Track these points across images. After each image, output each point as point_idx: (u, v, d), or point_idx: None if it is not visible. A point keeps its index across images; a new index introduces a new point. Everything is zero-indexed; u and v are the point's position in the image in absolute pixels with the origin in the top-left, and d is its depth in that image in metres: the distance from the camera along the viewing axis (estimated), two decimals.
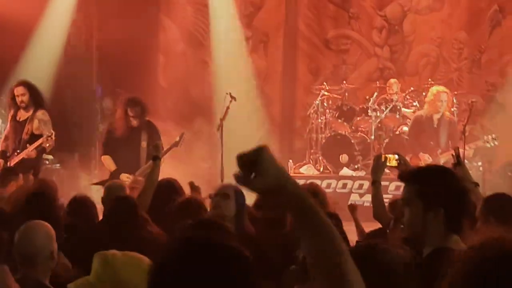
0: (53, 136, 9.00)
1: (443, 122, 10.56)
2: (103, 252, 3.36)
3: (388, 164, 5.36)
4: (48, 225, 4.07)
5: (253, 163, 1.91)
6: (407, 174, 3.46)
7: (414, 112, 11.78)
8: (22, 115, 9.22)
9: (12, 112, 9.32)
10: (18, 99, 9.13)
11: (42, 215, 4.34)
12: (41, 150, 9.14)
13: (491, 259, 1.88)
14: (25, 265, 3.95)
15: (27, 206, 4.86)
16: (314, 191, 5.46)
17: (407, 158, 6.20)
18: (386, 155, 5.41)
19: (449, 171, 3.46)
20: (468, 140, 10.54)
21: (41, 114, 9.16)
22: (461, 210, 3.32)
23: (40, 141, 8.96)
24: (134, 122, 9.16)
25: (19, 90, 9.17)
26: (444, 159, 10.12)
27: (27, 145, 9.04)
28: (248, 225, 5.23)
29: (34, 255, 3.93)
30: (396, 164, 5.38)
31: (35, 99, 9.19)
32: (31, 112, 9.16)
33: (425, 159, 10.29)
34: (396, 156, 5.41)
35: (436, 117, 10.57)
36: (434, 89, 10.77)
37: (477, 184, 5.40)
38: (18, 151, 9.06)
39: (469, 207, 3.43)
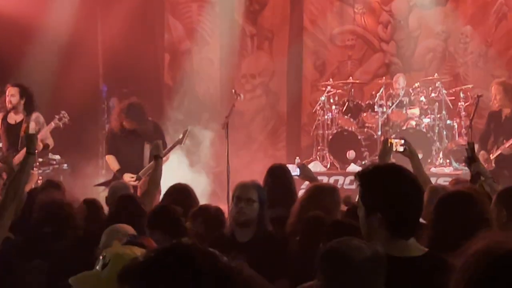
0: (66, 115, 9.32)
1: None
2: None
3: (394, 149, 5.24)
4: (128, 226, 4.29)
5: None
6: (356, 175, 3.21)
7: (420, 111, 11.67)
8: (14, 117, 9.26)
9: (1, 114, 9.37)
10: (7, 99, 9.17)
11: None
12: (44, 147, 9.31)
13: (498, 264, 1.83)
14: None
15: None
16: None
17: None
18: (392, 140, 5.28)
19: (392, 171, 3.17)
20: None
21: (35, 116, 9.30)
22: (401, 214, 3.06)
23: (55, 122, 9.29)
24: (131, 127, 9.00)
25: (11, 91, 9.24)
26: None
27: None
28: (268, 223, 5.05)
29: None
30: (402, 150, 5.26)
31: (28, 102, 9.23)
32: (23, 115, 9.24)
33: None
34: (402, 141, 5.28)
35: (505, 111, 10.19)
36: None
37: (494, 179, 5.35)
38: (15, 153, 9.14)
39: (412, 210, 3.10)
